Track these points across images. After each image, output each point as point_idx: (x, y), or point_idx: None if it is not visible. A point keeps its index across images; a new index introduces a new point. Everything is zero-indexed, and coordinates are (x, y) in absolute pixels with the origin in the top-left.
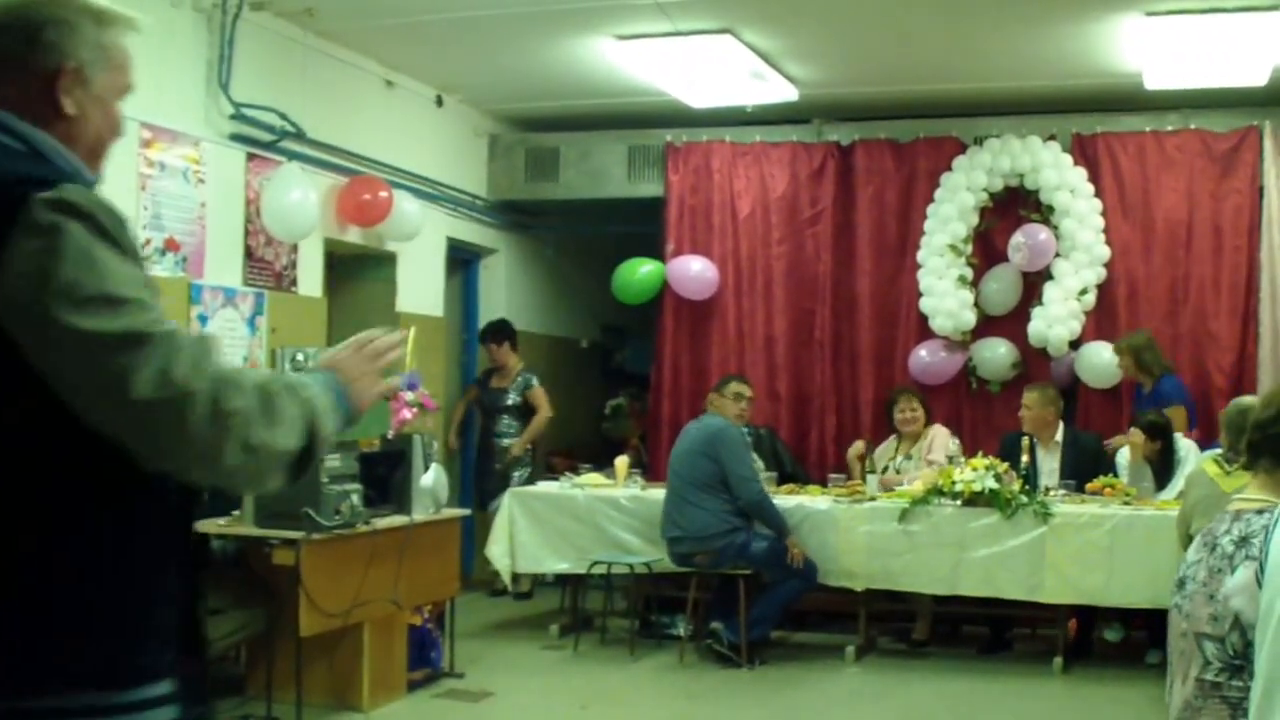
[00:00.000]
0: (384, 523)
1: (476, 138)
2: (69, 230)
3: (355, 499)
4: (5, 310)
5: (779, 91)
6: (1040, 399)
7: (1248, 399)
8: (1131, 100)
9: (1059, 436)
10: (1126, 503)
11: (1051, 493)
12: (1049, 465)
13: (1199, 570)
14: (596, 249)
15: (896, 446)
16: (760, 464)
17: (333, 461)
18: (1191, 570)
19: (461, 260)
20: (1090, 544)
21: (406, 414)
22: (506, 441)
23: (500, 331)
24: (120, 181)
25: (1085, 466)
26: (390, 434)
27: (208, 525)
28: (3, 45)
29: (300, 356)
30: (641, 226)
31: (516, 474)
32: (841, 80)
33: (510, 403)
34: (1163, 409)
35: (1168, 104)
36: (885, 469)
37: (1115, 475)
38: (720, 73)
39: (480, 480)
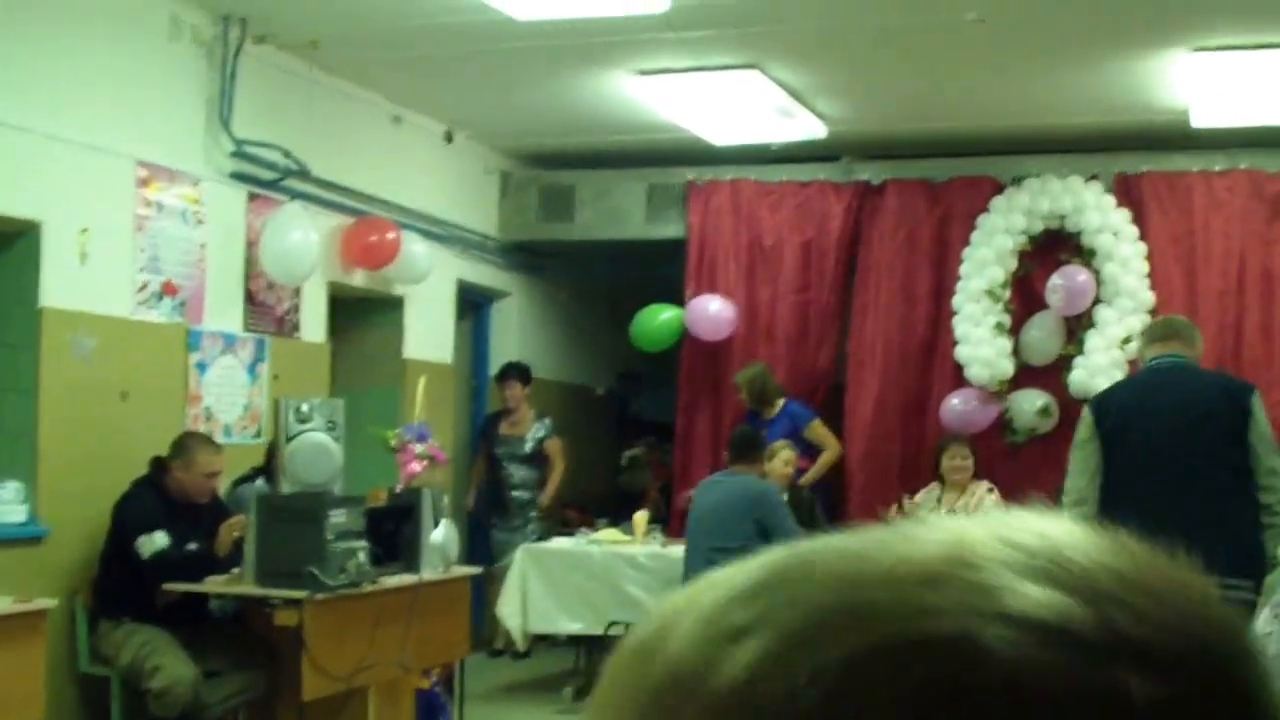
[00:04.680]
0: (391, 581)
1: (487, 175)
2: None
3: (362, 557)
4: None
5: (807, 129)
6: None
7: None
8: (1178, 139)
9: None
10: None
11: None
12: None
13: (1270, 644)
14: (613, 292)
15: (940, 497)
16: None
17: (338, 518)
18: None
19: (472, 304)
20: None
21: (416, 467)
22: (520, 494)
23: (525, 372)
24: (116, 222)
25: None
26: (399, 488)
27: (206, 584)
28: None
29: (305, 407)
30: (661, 269)
31: (531, 529)
32: (873, 117)
33: (527, 451)
34: (800, 430)
35: (1216, 143)
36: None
37: None
38: (746, 109)
39: (487, 534)
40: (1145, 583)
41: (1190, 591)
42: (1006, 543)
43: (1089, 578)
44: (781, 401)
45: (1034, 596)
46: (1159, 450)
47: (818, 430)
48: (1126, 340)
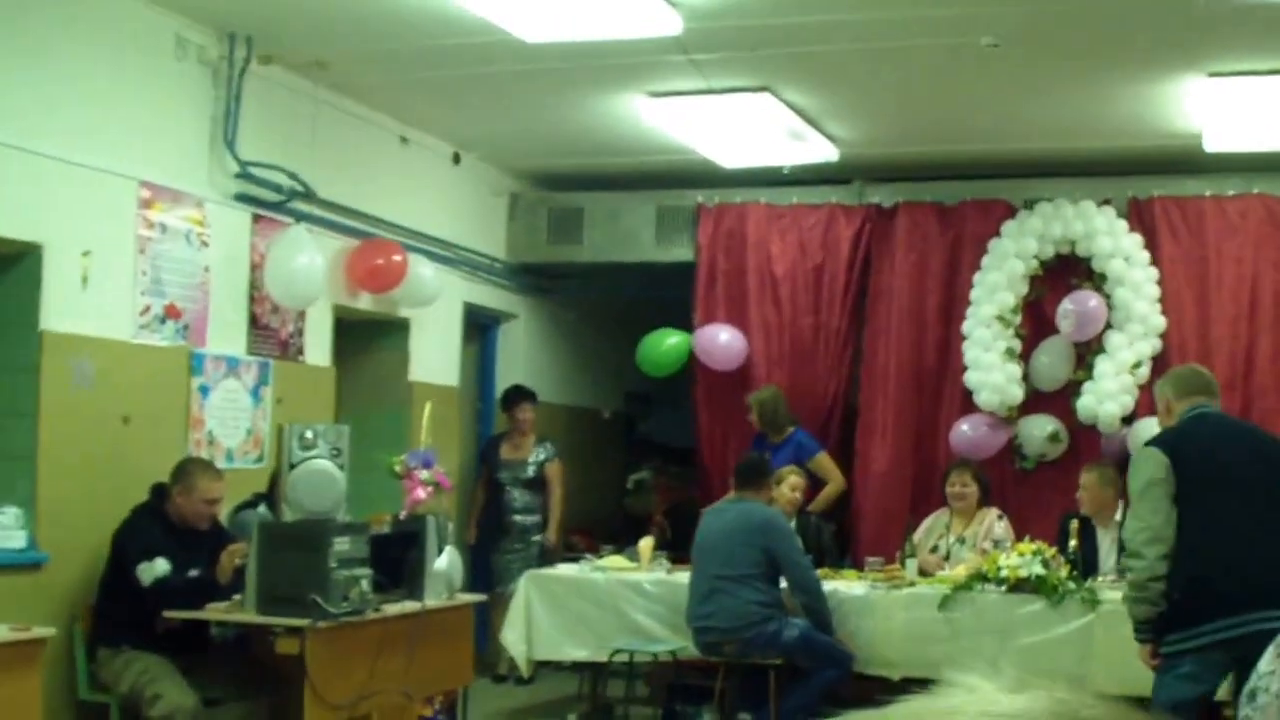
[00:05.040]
0: (395, 609)
1: (496, 197)
2: None
3: (365, 584)
4: None
5: (819, 151)
6: (1099, 479)
7: None
8: (1191, 163)
9: (1118, 516)
10: None
11: (1102, 578)
12: (1107, 547)
13: (1272, 681)
14: (622, 314)
15: (948, 523)
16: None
17: (341, 545)
18: (1264, 681)
19: (478, 326)
20: None
21: (421, 493)
22: (522, 518)
23: (533, 395)
24: (118, 244)
25: None
26: (403, 514)
27: (207, 611)
28: None
29: (309, 433)
30: (670, 291)
31: (533, 553)
32: (885, 139)
33: (530, 475)
34: (804, 461)
35: (1229, 167)
36: (935, 548)
37: None
38: (757, 132)
39: (489, 559)
40: None
41: None
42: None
43: None
44: (791, 429)
45: None
46: (1248, 494)
47: (823, 463)
48: (1136, 366)
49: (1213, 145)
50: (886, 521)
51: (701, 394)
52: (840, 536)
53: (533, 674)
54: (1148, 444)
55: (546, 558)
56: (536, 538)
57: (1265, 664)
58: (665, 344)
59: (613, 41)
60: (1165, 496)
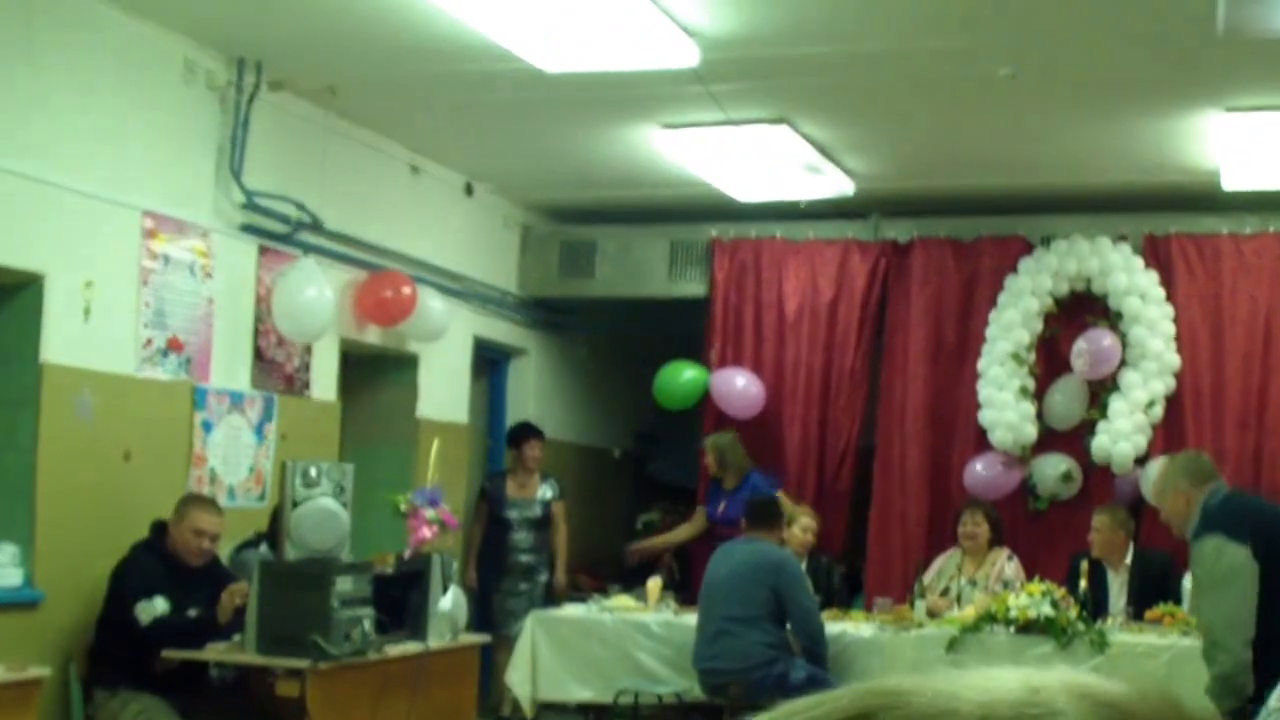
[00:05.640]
0: (397, 650)
1: (507, 229)
2: None
3: (367, 625)
4: None
5: (835, 185)
6: (1110, 522)
7: None
8: (1208, 200)
9: (1129, 559)
10: (1186, 632)
11: (1110, 620)
12: (1117, 589)
13: None
14: (633, 351)
15: (959, 564)
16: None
17: (344, 584)
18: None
19: (488, 361)
20: (1149, 676)
21: (426, 533)
22: (527, 558)
23: (541, 433)
24: (120, 275)
25: (1151, 587)
26: (407, 554)
27: (207, 651)
28: None
29: (313, 471)
30: (683, 326)
31: (538, 594)
32: (901, 173)
33: (538, 515)
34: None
35: (1246, 205)
36: (946, 590)
37: (1179, 601)
38: (773, 165)
39: (489, 599)
40: None
41: None
42: (1074, 693)
43: None
44: (748, 472)
45: None
46: None
47: (782, 504)
48: (1150, 405)
49: (1230, 183)
50: (900, 562)
51: (707, 433)
52: (851, 577)
53: (535, 715)
54: (1210, 531)
55: (553, 598)
56: (541, 578)
57: (1275, 700)
58: (682, 377)
59: (629, 73)
60: (1251, 584)
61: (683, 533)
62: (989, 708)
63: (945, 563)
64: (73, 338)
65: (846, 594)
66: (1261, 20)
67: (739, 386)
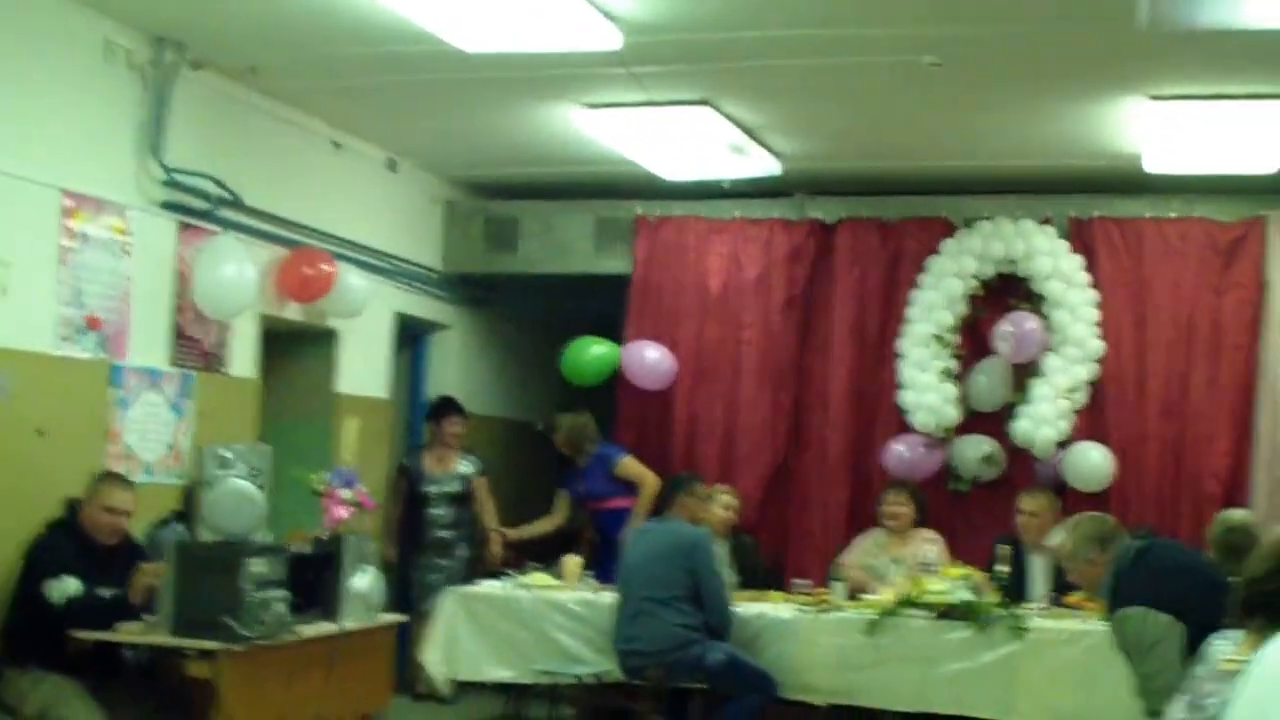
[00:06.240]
0: (311, 631)
1: (431, 205)
2: None
3: (281, 606)
4: None
5: (760, 165)
6: (1044, 504)
7: (1236, 514)
8: (1132, 183)
9: (1052, 541)
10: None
11: (1031, 605)
12: (1040, 574)
13: None
14: (558, 327)
15: (884, 544)
16: (733, 577)
17: (258, 566)
18: None
19: (410, 337)
20: (1066, 663)
21: (341, 513)
22: (445, 534)
23: (461, 409)
24: (38, 254)
25: None
26: (323, 534)
27: (119, 632)
28: None
29: (228, 454)
30: (607, 303)
31: (457, 569)
32: (828, 154)
33: (457, 490)
34: (611, 471)
35: (1170, 189)
36: (868, 567)
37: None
38: (698, 145)
39: (409, 575)
40: None
41: None
42: None
43: None
44: (595, 449)
45: None
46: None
47: (630, 467)
48: (1073, 390)
49: (1152, 167)
50: (820, 544)
51: (626, 411)
52: (773, 558)
53: (455, 694)
54: (1129, 598)
55: (478, 573)
56: (460, 553)
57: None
58: (590, 353)
59: (551, 54)
60: (1180, 648)
61: (546, 524)
62: None
63: (867, 542)
64: None
65: (768, 573)
66: (1182, 14)
67: (650, 360)
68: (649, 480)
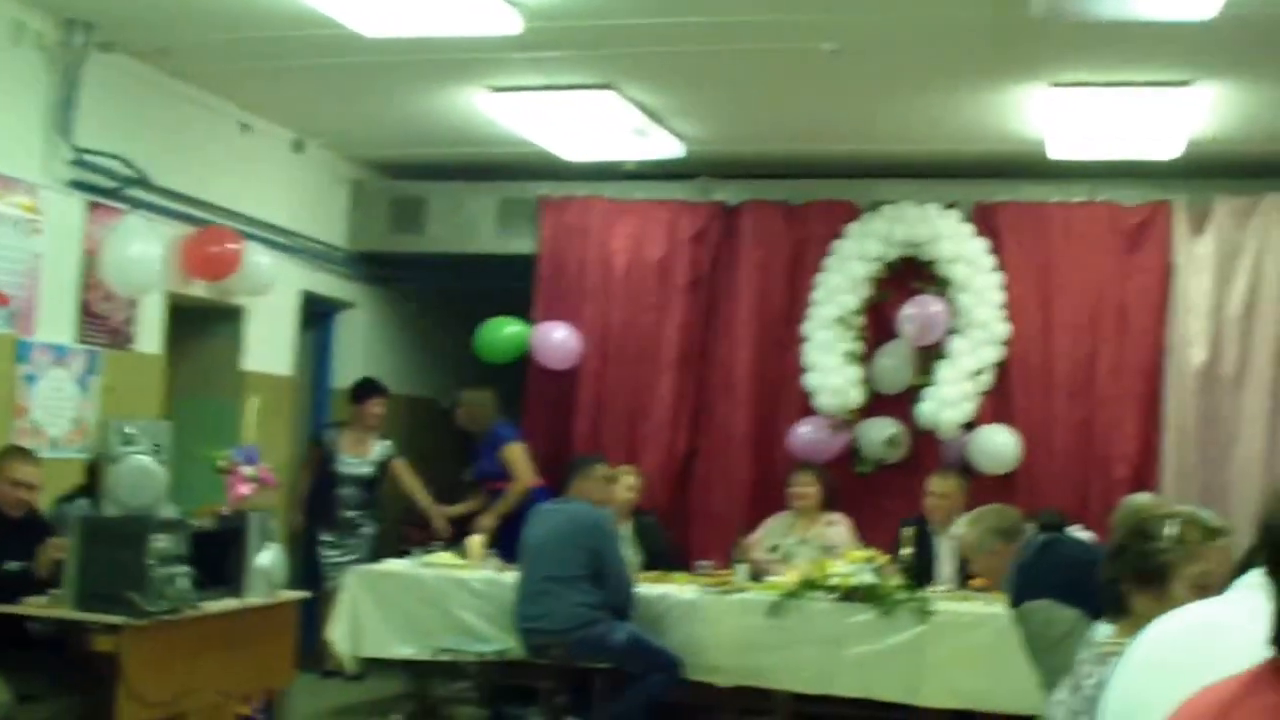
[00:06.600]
0: (215, 607)
1: (337, 185)
2: None
3: (183, 581)
4: None
5: (663, 148)
6: (954, 486)
7: (1141, 497)
8: (1037, 169)
9: (955, 528)
10: None
11: (936, 588)
12: (946, 555)
13: (1058, 710)
14: (463, 306)
15: (790, 525)
16: (636, 557)
17: (161, 541)
18: (1054, 710)
19: (316, 315)
20: (973, 645)
21: (244, 489)
22: (353, 514)
23: (385, 390)
24: None
25: None
26: (226, 510)
27: (25, 604)
28: None
29: (130, 429)
30: (512, 284)
31: (362, 547)
32: (731, 137)
33: (369, 473)
34: (497, 450)
35: (1075, 174)
36: (775, 547)
37: None
38: (600, 128)
39: (315, 551)
40: None
41: None
42: None
43: None
44: (493, 427)
45: None
46: None
47: (512, 453)
48: (978, 373)
49: (1055, 152)
50: (724, 525)
51: (533, 390)
52: (677, 539)
53: (363, 671)
54: (1034, 593)
55: (383, 550)
56: (367, 531)
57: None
58: (504, 332)
59: (452, 38)
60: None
61: (475, 503)
62: None
63: (775, 524)
64: None
65: (672, 553)
66: (1073, 5)
67: (557, 339)
68: (523, 476)
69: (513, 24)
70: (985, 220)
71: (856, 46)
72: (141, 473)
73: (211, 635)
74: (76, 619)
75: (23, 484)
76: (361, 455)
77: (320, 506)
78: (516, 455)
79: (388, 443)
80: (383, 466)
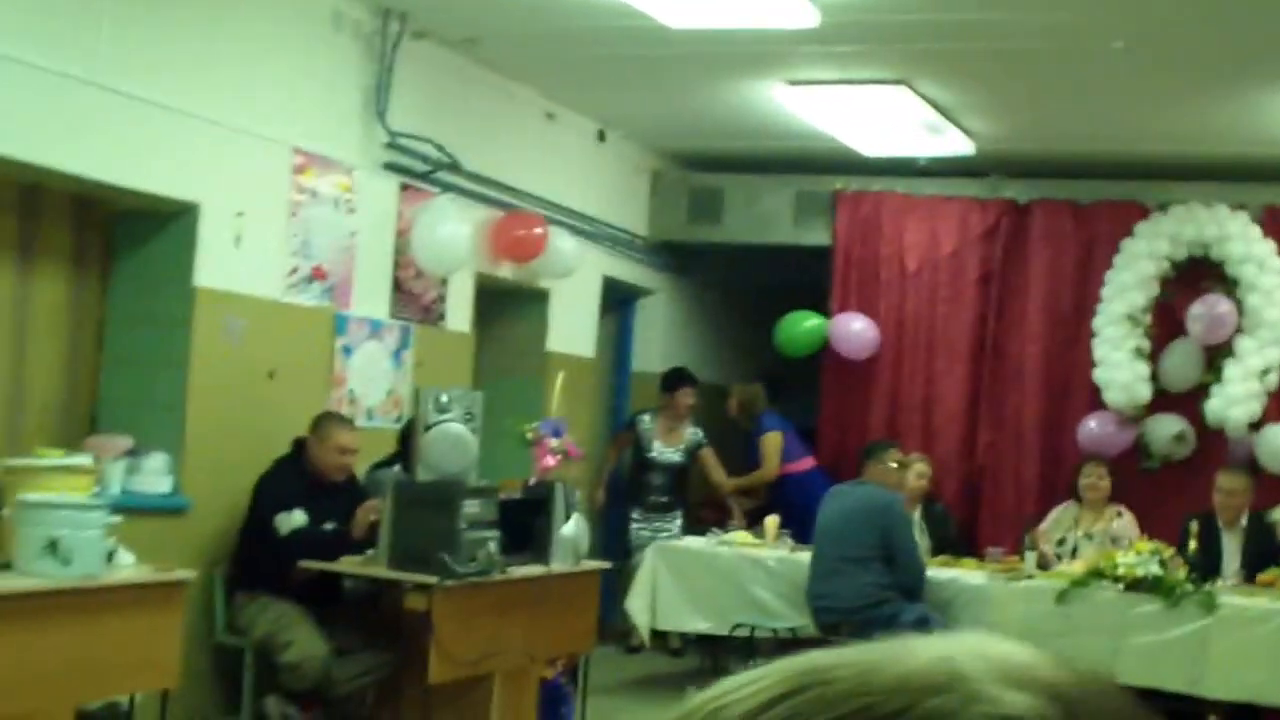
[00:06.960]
0: (521, 572)
1: (638, 175)
2: None
3: (492, 546)
4: None
5: (954, 145)
6: (1246, 484)
7: None
8: None
9: (1244, 521)
10: None
11: (1224, 582)
12: (1232, 551)
13: None
14: (757, 296)
15: (1076, 517)
16: (925, 543)
17: (471, 507)
18: None
19: (617, 300)
20: (1259, 639)
21: (550, 461)
22: (662, 498)
23: (694, 380)
24: (270, 207)
25: (1265, 550)
26: (533, 480)
27: (341, 564)
28: None
29: (444, 397)
30: (807, 274)
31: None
32: (1021, 135)
33: (679, 460)
34: (756, 438)
35: None
36: (1062, 540)
37: None
38: (894, 123)
39: (624, 527)
40: (1090, 687)
41: (1119, 693)
42: (985, 659)
43: (1053, 686)
44: (760, 418)
45: (1018, 700)
46: None
47: (766, 443)
48: (1265, 372)
49: None
50: (1012, 514)
51: (829, 379)
52: (965, 527)
53: (682, 646)
54: None
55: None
56: (675, 513)
57: None
58: (804, 325)
59: (751, 30)
60: None
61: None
62: (904, 680)
63: (1061, 514)
64: (224, 264)
65: (960, 542)
66: None
67: (855, 329)
68: (768, 466)
69: (810, 17)
70: (1274, 222)
71: (1146, 45)
72: (455, 439)
73: (517, 599)
74: (390, 578)
75: (348, 450)
76: (673, 444)
77: (631, 489)
78: (768, 445)
79: (698, 431)
80: (691, 454)
